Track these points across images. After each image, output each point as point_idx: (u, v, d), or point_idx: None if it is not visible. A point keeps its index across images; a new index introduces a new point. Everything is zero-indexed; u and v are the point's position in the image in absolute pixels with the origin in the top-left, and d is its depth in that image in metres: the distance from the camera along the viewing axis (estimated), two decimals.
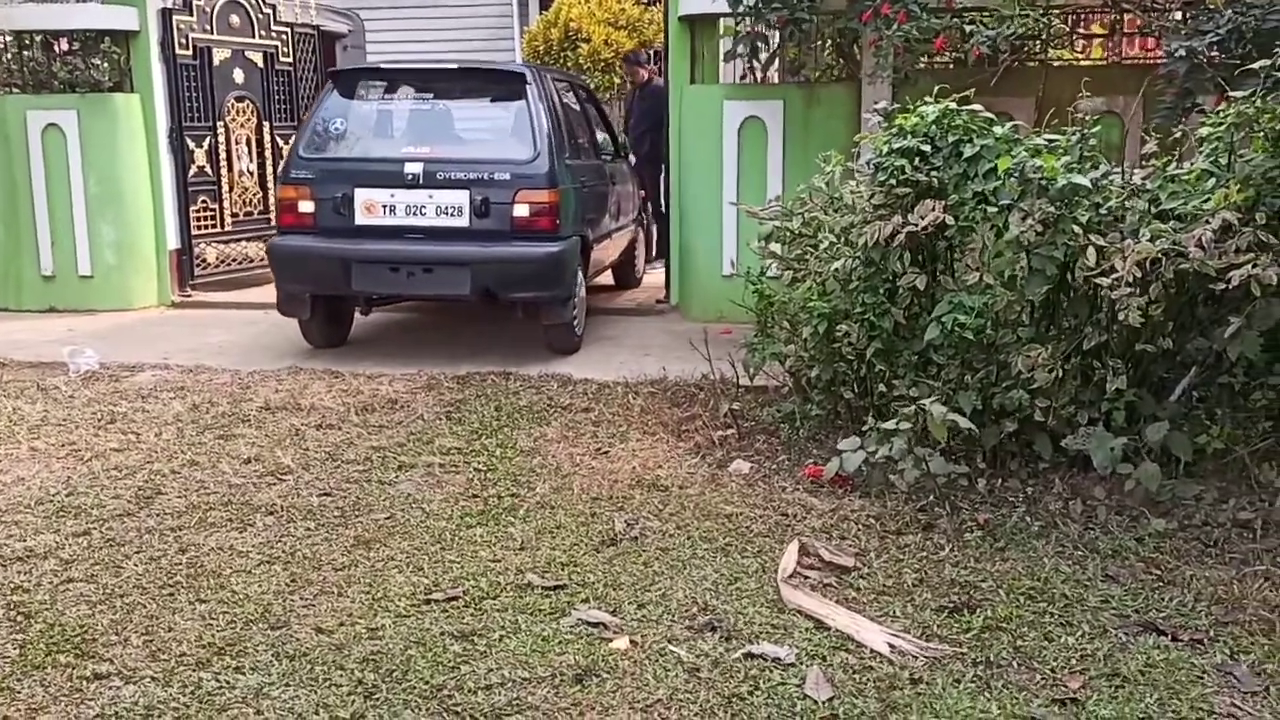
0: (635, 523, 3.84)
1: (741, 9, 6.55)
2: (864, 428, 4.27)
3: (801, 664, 2.86)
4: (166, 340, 6.98)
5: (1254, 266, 3.61)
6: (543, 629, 3.04)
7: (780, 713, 2.63)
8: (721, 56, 7.37)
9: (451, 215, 6.07)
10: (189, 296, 8.40)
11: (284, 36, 9.11)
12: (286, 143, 8.66)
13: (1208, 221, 3.75)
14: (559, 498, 4.10)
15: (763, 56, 7.10)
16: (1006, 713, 2.64)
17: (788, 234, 5.13)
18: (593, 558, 3.55)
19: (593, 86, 12.22)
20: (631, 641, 2.97)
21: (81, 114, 7.85)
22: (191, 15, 8.25)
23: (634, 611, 3.16)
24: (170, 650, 2.96)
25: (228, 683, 2.79)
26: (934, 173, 4.35)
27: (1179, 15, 5.94)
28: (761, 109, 7.17)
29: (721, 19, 7.27)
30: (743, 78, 7.51)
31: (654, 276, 8.90)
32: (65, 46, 8.18)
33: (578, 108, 7.42)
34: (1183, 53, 5.44)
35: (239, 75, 8.75)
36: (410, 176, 6.09)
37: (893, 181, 4.36)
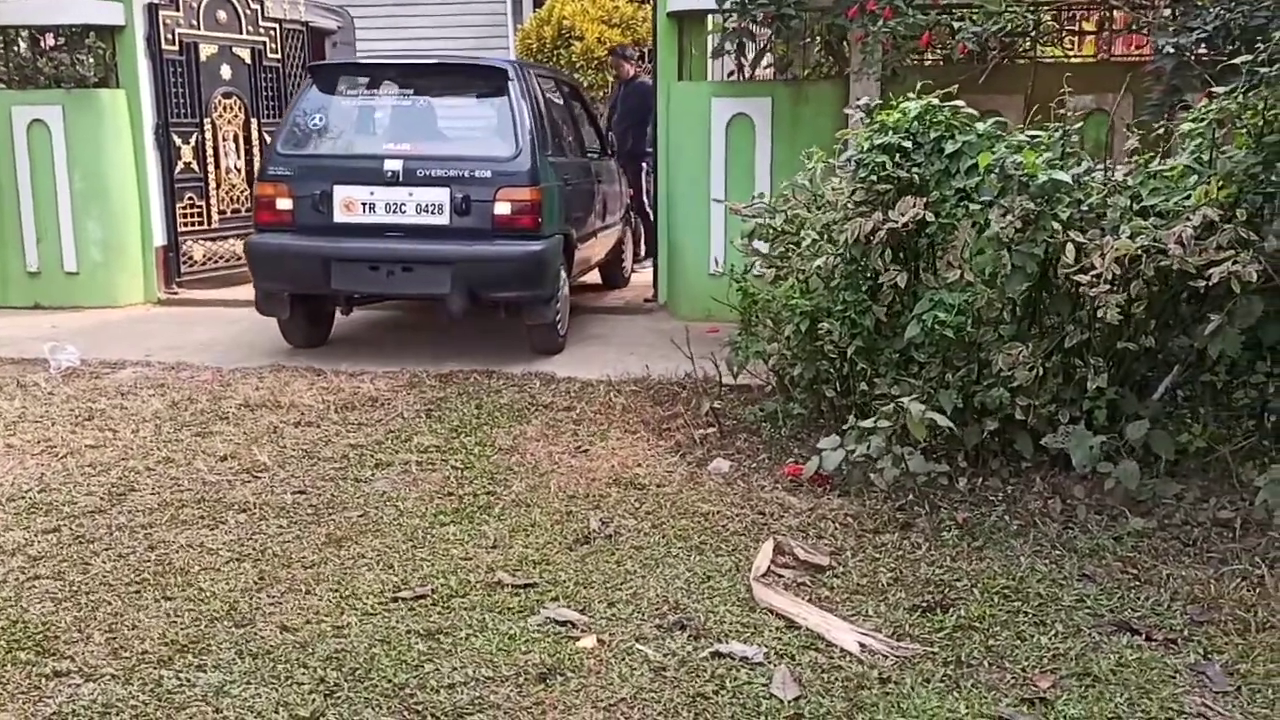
0: (610, 521, 3.81)
1: (728, 5, 6.52)
2: (845, 426, 4.24)
3: (770, 663, 2.82)
4: (150, 337, 6.94)
5: (1234, 263, 3.58)
6: (510, 627, 3.01)
7: (745, 712, 2.59)
8: (709, 53, 7.34)
9: (432, 213, 6.00)
10: (175, 294, 8.37)
11: (272, 33, 9.07)
12: None
13: (1188, 218, 3.72)
14: (535, 496, 4.07)
15: (750, 53, 7.07)
16: (974, 712, 2.61)
17: (770, 231, 5.10)
18: (565, 556, 3.52)
19: (586, 84, 12.20)
20: (599, 640, 2.94)
21: (67, 110, 7.82)
22: (178, 11, 8.22)
23: (603, 610, 3.13)
24: (132, 648, 2.92)
25: (188, 681, 2.75)
26: (915, 169, 4.32)
27: (1167, 12, 5.91)
28: (749, 106, 7.13)
29: (710, 15, 7.24)
30: (731, 75, 7.48)
31: (643, 276, 8.87)
32: (51, 42, 8.14)
33: (563, 104, 7.35)
34: (1170, 49, 5.43)
35: (226, 71, 8.71)
36: (390, 173, 6.02)
37: (874, 178, 4.33)
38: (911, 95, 4.43)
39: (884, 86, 6.42)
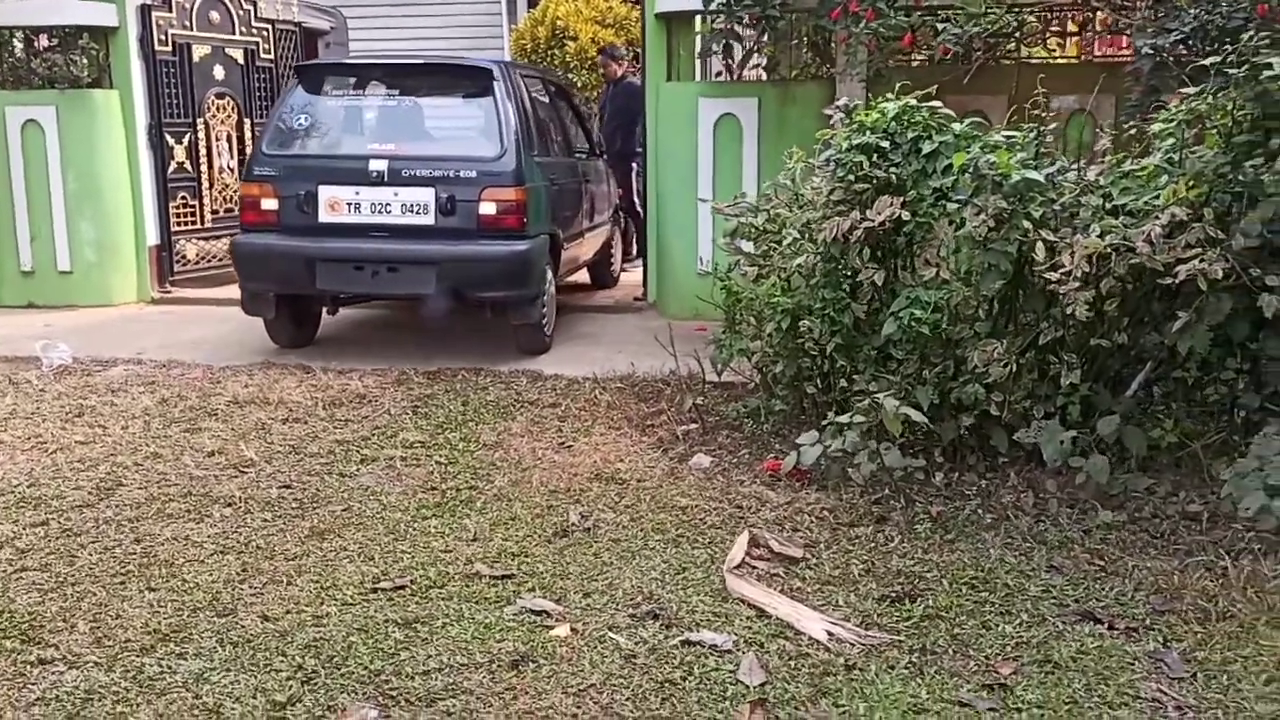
0: (589, 515, 3.87)
1: (714, 6, 6.58)
2: (824, 422, 4.30)
3: (738, 651, 2.89)
4: (142, 336, 7.00)
5: (1201, 261, 3.65)
6: (486, 617, 3.07)
7: (711, 697, 2.66)
8: (697, 54, 7.40)
9: (417, 213, 6.02)
10: (168, 293, 8.43)
11: (265, 33, 9.13)
12: None
13: (1158, 217, 3.79)
14: (517, 490, 4.13)
15: (737, 54, 7.12)
16: (936, 697, 2.68)
17: (753, 230, 5.16)
18: (544, 548, 3.59)
19: (579, 85, 12.25)
20: (572, 629, 3.00)
21: (60, 110, 7.88)
22: (171, 12, 8.28)
23: (579, 600, 3.20)
24: (116, 636, 2.99)
25: (170, 668, 2.82)
26: (893, 169, 4.39)
27: (1148, 13, 5.98)
28: (736, 106, 7.19)
29: (697, 16, 7.30)
30: (718, 75, 7.54)
31: (633, 275, 8.92)
32: (45, 43, 8.20)
33: (550, 104, 7.38)
34: (1149, 50, 5.49)
35: (219, 72, 8.78)
36: (375, 174, 6.03)
37: (851, 177, 4.40)
38: (890, 96, 4.50)
39: (869, 87, 6.49)
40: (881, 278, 4.42)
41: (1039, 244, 3.88)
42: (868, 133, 4.43)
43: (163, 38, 8.23)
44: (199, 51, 8.58)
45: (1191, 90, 4.11)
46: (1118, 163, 4.29)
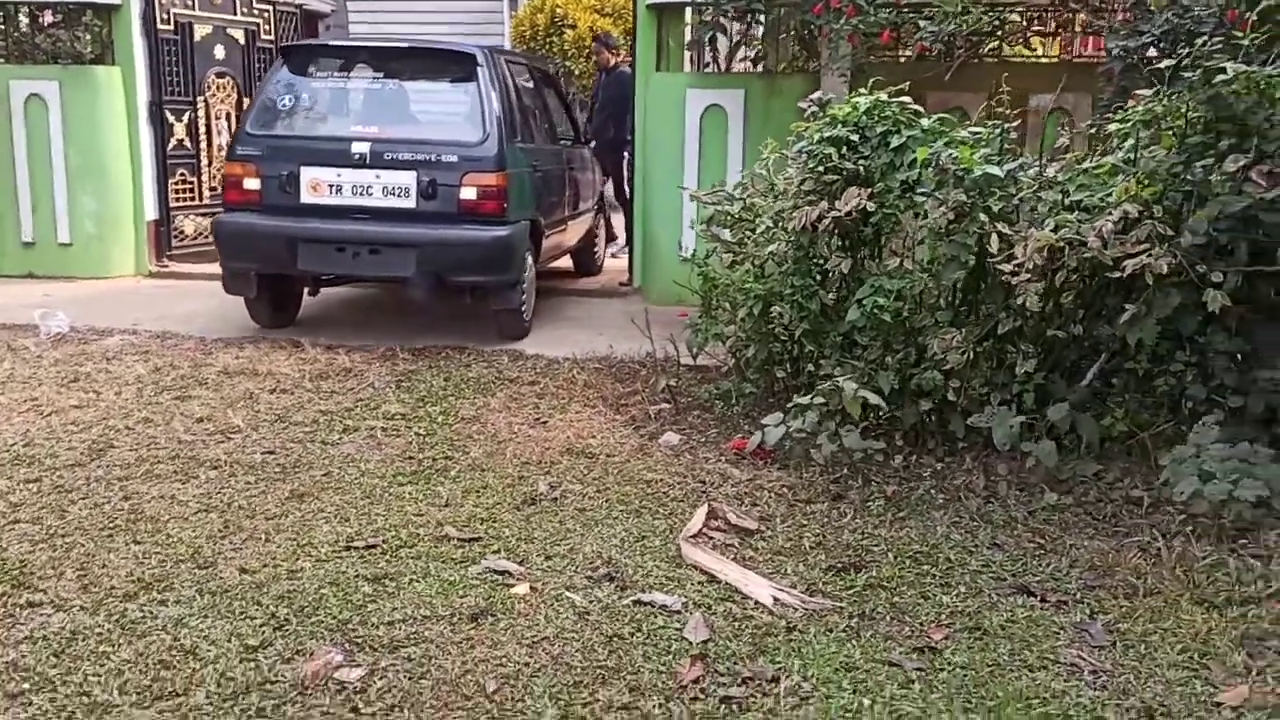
0: (558, 485, 4.04)
1: None
2: (789, 405, 4.47)
3: (687, 612, 3.06)
4: (139, 307, 7.17)
5: (1148, 256, 3.81)
6: (451, 575, 3.25)
7: (656, 651, 2.84)
8: (686, 45, 7.55)
9: (398, 196, 6.08)
10: (166, 267, 8.60)
11: (266, 14, 9.29)
12: None
13: (1110, 213, 3.95)
14: (490, 461, 4.30)
15: (723, 45, 7.27)
16: (868, 658, 2.85)
17: (729, 218, 5.33)
18: (512, 515, 3.76)
19: (576, 72, 12.39)
20: (531, 588, 3.18)
21: (63, 85, 8.03)
22: None
23: (540, 562, 3.37)
24: (101, 584, 3.16)
25: (150, 613, 3.00)
26: (862, 161, 4.55)
27: (1122, 16, 6.13)
28: (723, 97, 7.35)
29: (687, 8, 7.45)
30: (706, 66, 7.69)
31: (621, 262, 9.06)
32: (50, 19, 8.35)
33: (535, 91, 7.46)
34: (1120, 52, 5.65)
35: (220, 51, 8.93)
36: (357, 156, 6.07)
37: (821, 169, 4.56)
38: (862, 91, 4.66)
39: (852, 82, 6.63)
40: (848, 266, 4.59)
41: (994, 236, 4.04)
42: (839, 126, 4.59)
43: (165, 16, 8.39)
44: (200, 30, 8.73)
45: (1145, 92, 4.27)
46: (1078, 160, 4.45)
